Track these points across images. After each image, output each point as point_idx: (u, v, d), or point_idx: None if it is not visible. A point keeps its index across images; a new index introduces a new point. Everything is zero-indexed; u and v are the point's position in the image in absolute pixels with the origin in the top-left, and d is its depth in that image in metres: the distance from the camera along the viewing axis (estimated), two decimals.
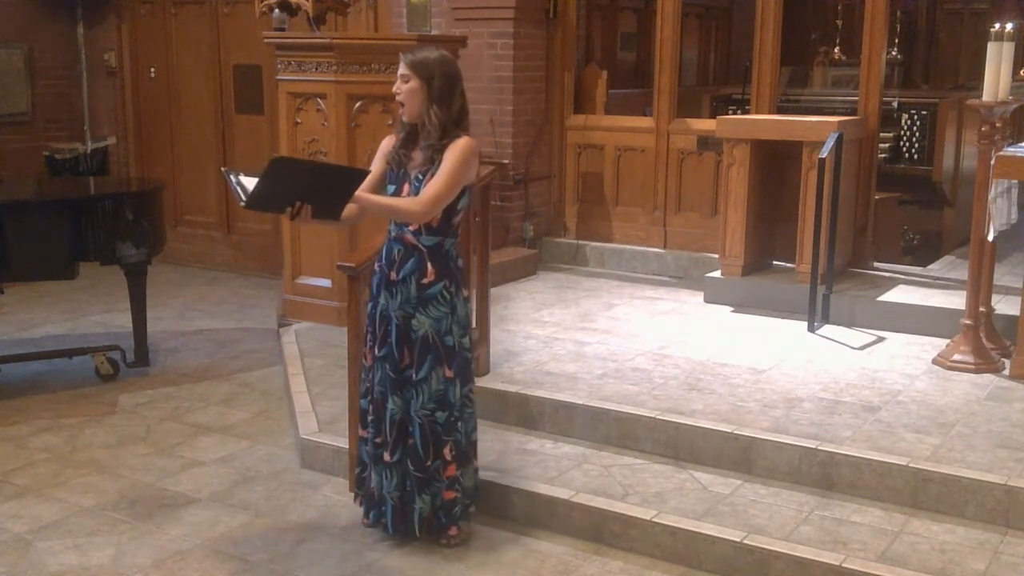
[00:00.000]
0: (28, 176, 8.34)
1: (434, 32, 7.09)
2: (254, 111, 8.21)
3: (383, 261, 3.82)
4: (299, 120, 6.14)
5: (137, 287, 5.81)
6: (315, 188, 3.43)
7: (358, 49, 5.99)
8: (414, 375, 3.78)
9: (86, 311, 7.19)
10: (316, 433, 4.67)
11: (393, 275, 3.76)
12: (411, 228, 3.74)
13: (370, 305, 3.90)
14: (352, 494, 4.14)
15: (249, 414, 5.32)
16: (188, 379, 5.85)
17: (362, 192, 3.56)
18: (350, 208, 3.56)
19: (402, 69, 3.70)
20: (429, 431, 3.80)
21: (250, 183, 3.43)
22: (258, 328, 6.83)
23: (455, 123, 3.70)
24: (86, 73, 9.06)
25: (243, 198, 3.41)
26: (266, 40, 6.32)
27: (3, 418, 5.24)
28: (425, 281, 3.74)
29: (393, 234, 3.79)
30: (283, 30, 6.24)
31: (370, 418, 3.92)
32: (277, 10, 6.20)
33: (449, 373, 3.80)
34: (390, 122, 5.96)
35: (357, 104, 5.99)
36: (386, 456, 3.85)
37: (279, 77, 6.24)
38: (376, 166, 3.84)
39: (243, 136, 8.32)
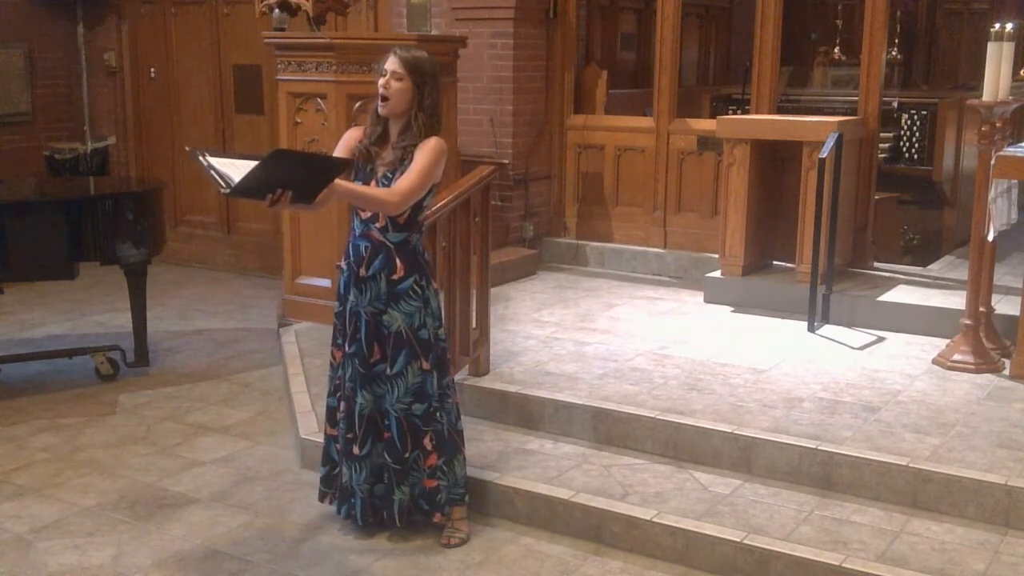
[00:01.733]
0: (28, 176, 8.34)
1: (434, 32, 7.09)
2: (254, 111, 8.21)
3: (350, 259, 3.85)
4: (299, 120, 6.14)
5: (137, 287, 5.81)
6: (300, 177, 3.45)
7: (358, 49, 5.98)
8: (388, 370, 3.82)
9: (86, 311, 7.19)
10: (316, 433, 4.66)
11: (362, 271, 3.80)
12: (377, 225, 3.77)
13: (337, 304, 3.95)
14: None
15: (249, 414, 5.32)
16: (188, 379, 5.85)
17: (339, 179, 3.58)
18: (323, 192, 3.57)
19: (395, 65, 3.71)
20: (406, 424, 3.84)
21: (225, 167, 3.38)
22: (258, 328, 6.83)
23: (434, 130, 3.77)
24: (86, 73, 9.06)
25: (223, 185, 3.35)
26: (266, 40, 6.31)
27: (3, 418, 5.24)
28: (395, 277, 3.77)
29: (359, 231, 3.82)
30: (283, 30, 6.23)
31: (340, 414, 3.96)
32: (277, 10, 6.20)
33: (426, 365, 3.84)
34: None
35: (357, 104, 5.98)
36: (355, 450, 3.89)
37: (279, 77, 6.24)
38: (342, 155, 3.84)
39: (243, 136, 8.32)
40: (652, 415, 4.47)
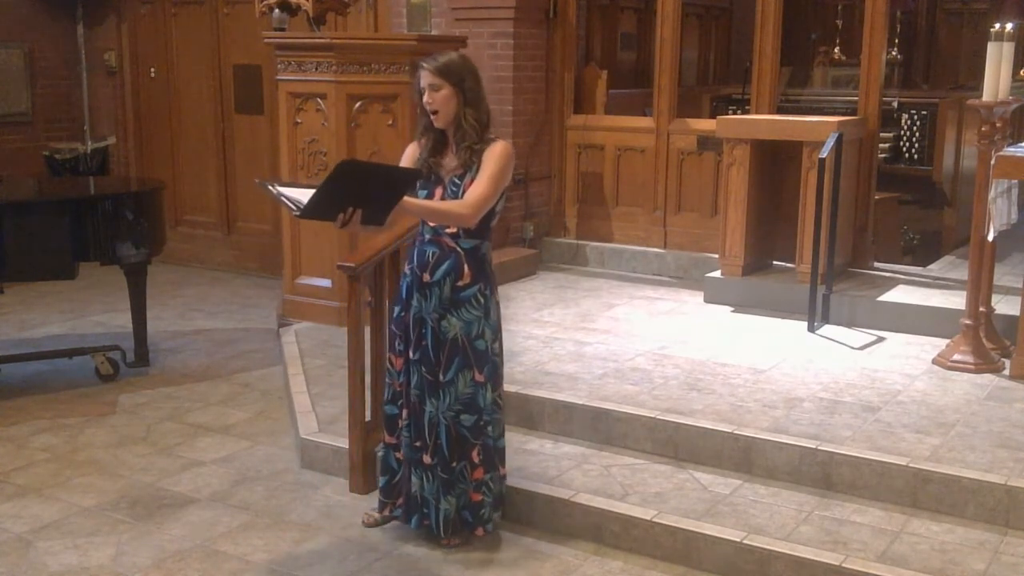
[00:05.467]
0: (28, 176, 8.34)
1: (434, 32, 7.09)
2: (254, 111, 8.21)
3: (414, 264, 3.78)
4: (299, 120, 6.15)
5: (137, 287, 5.81)
6: (369, 192, 3.38)
7: (358, 49, 5.99)
8: (441, 376, 3.75)
9: (86, 311, 7.19)
10: (316, 433, 4.67)
11: (427, 277, 3.72)
12: (449, 231, 3.70)
13: (397, 309, 3.86)
14: (356, 494, 4.14)
15: (249, 414, 5.32)
16: (188, 379, 5.85)
17: (408, 197, 3.51)
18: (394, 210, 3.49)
19: (429, 79, 3.63)
20: (455, 433, 3.77)
21: (293, 192, 3.37)
22: (258, 328, 6.83)
23: (486, 124, 3.69)
24: (86, 73, 9.06)
25: (294, 208, 3.33)
26: (266, 40, 6.32)
27: (3, 418, 5.25)
28: (461, 283, 3.71)
29: (427, 237, 3.75)
30: (283, 30, 6.24)
31: (404, 422, 3.88)
32: (277, 10, 6.20)
33: (480, 377, 3.76)
34: (390, 122, 5.97)
35: (357, 104, 5.99)
36: (426, 458, 3.82)
37: (279, 77, 6.25)
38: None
39: (243, 136, 8.32)
40: (652, 415, 4.47)
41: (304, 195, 3.35)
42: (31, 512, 4.21)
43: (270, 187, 3.44)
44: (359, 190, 3.36)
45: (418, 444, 3.84)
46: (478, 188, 3.61)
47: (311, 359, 5.60)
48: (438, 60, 3.68)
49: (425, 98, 3.66)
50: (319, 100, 6.04)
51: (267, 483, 4.50)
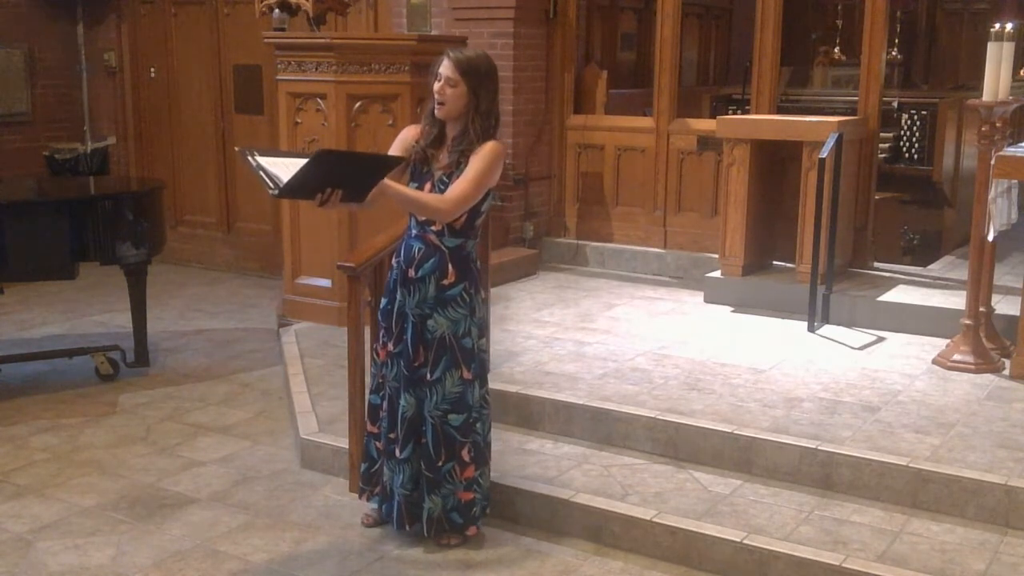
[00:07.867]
0: (28, 176, 8.34)
1: (434, 32, 7.09)
2: (254, 111, 8.21)
3: (400, 257, 3.78)
4: (299, 120, 6.15)
5: (137, 287, 5.81)
6: (349, 175, 3.38)
7: (358, 49, 5.99)
8: (428, 375, 3.76)
9: (86, 311, 7.19)
10: (316, 433, 4.67)
11: (411, 272, 3.73)
12: (434, 228, 3.70)
13: (384, 301, 3.87)
14: (355, 494, 4.15)
15: (249, 414, 5.32)
16: (188, 379, 5.85)
17: (390, 180, 3.49)
18: (373, 191, 3.47)
19: (448, 71, 3.60)
20: (441, 432, 3.78)
21: (274, 166, 3.33)
22: (258, 328, 6.83)
23: (490, 132, 3.68)
24: (86, 73, 9.06)
25: (272, 186, 3.29)
26: (266, 40, 6.32)
27: (3, 418, 5.25)
28: (446, 282, 3.71)
29: (414, 232, 3.75)
30: (283, 30, 6.24)
31: (382, 413, 3.91)
32: (277, 10, 6.20)
33: (467, 375, 3.78)
34: (390, 122, 5.97)
35: (357, 104, 5.99)
36: (397, 452, 3.84)
37: (279, 77, 6.25)
38: (396, 154, 3.75)
39: (243, 136, 8.30)
40: (652, 415, 4.47)
41: (284, 167, 3.31)
42: (31, 512, 4.21)
43: (249, 156, 3.34)
44: (337, 174, 3.36)
45: (392, 436, 3.86)
46: (460, 186, 3.60)
47: (311, 359, 5.60)
48: (464, 55, 3.66)
49: (437, 86, 3.64)
50: (319, 100, 6.04)
51: (267, 483, 4.50)
